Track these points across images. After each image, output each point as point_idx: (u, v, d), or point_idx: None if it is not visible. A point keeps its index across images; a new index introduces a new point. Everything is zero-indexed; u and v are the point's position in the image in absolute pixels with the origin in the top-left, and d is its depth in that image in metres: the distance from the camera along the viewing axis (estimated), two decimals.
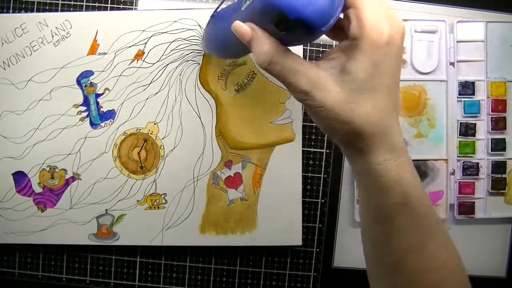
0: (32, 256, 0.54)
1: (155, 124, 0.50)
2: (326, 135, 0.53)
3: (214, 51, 0.43)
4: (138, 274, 0.54)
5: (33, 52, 0.49)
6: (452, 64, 0.52)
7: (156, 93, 0.50)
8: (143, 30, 0.49)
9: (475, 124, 0.52)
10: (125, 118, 0.50)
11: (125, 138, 0.50)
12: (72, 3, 0.51)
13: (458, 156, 0.52)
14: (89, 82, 0.50)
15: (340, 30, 0.31)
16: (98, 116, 0.50)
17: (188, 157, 0.51)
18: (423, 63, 0.52)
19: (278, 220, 0.51)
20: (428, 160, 0.52)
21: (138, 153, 0.51)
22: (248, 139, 0.51)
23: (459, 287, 0.33)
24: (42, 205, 0.51)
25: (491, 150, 0.52)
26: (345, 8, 0.29)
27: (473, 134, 0.52)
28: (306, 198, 0.53)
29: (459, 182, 0.52)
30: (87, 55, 0.49)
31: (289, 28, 0.27)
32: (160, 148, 0.50)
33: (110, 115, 0.50)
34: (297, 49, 0.50)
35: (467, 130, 0.52)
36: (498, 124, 0.52)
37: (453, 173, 0.52)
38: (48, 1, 0.51)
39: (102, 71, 0.49)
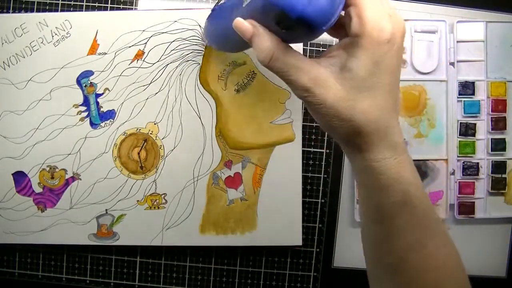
0: (32, 256, 0.54)
1: (155, 124, 0.50)
2: (326, 135, 0.53)
3: (215, 44, 0.43)
4: (138, 274, 0.54)
5: (33, 52, 0.49)
6: (452, 64, 0.52)
7: (156, 93, 0.50)
8: (143, 30, 0.49)
9: (475, 124, 0.52)
10: (125, 118, 0.50)
11: (125, 138, 0.50)
12: (72, 3, 0.51)
13: (458, 156, 0.52)
14: (89, 82, 0.50)
15: (340, 28, 0.32)
16: (98, 116, 0.50)
17: (188, 157, 0.51)
18: (423, 63, 0.52)
19: (278, 220, 0.51)
20: (428, 160, 0.52)
21: (138, 153, 0.51)
22: (248, 139, 0.51)
23: (459, 287, 0.33)
24: (42, 205, 0.51)
25: (491, 150, 0.52)
26: (346, 6, 0.29)
27: (473, 134, 0.52)
28: (306, 198, 0.53)
29: (459, 182, 0.52)
30: (87, 55, 0.49)
31: (290, 26, 0.27)
32: (160, 148, 0.50)
33: (110, 115, 0.50)
34: (297, 47, 0.50)
35: (467, 130, 0.52)
36: (498, 124, 0.52)
37: (453, 173, 0.52)
38: (48, 1, 0.51)
39: (102, 71, 0.49)
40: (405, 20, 0.51)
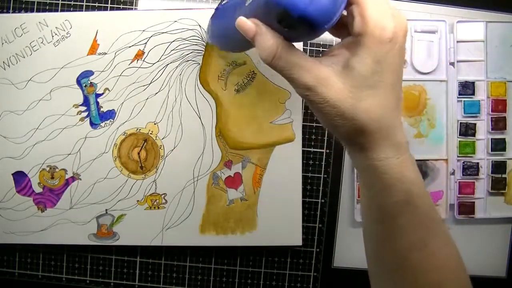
0: (32, 256, 0.54)
1: (155, 124, 0.50)
2: (326, 135, 0.53)
3: (218, 42, 0.43)
4: (138, 274, 0.54)
5: (33, 52, 0.49)
6: (452, 64, 0.52)
7: (156, 93, 0.50)
8: (143, 30, 0.49)
9: (475, 124, 0.52)
10: (125, 118, 0.50)
11: (125, 138, 0.50)
12: (72, 3, 0.51)
13: (458, 156, 0.52)
14: (89, 82, 0.50)
15: (342, 28, 0.32)
16: (98, 116, 0.50)
17: (188, 157, 0.51)
18: (423, 63, 0.52)
19: (278, 220, 0.51)
20: (428, 160, 0.52)
21: (138, 153, 0.51)
22: (248, 139, 0.51)
23: (460, 287, 0.33)
24: (42, 205, 0.51)
25: (491, 150, 0.52)
26: (348, 5, 0.29)
27: (473, 134, 0.52)
28: (306, 198, 0.53)
29: (459, 182, 0.52)
30: (87, 55, 0.49)
31: (292, 25, 0.27)
32: (160, 148, 0.50)
33: (110, 115, 0.50)
34: (297, 47, 0.50)
35: (467, 130, 0.52)
36: (498, 124, 0.52)
37: (453, 173, 0.52)
38: (48, 1, 0.51)
39: (102, 71, 0.49)
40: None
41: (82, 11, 0.51)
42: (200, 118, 0.50)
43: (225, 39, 0.41)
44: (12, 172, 0.50)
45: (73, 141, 0.50)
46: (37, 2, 0.51)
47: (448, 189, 0.52)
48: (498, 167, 0.52)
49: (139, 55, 0.49)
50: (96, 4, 0.51)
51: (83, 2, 0.51)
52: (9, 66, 0.49)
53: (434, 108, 0.52)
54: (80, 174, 0.50)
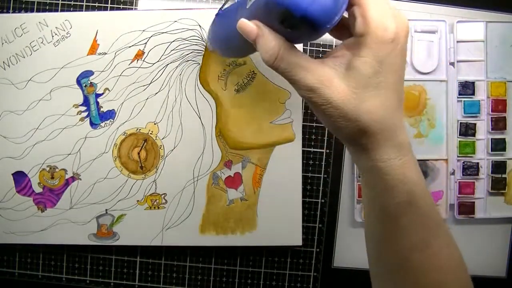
0: (32, 256, 0.54)
1: (155, 124, 0.50)
2: (326, 135, 0.53)
3: (219, 49, 0.43)
4: (138, 274, 0.54)
5: (33, 52, 0.49)
6: (452, 64, 0.52)
7: (156, 93, 0.50)
8: (143, 30, 0.49)
9: (475, 124, 0.52)
10: (125, 118, 0.50)
11: (125, 138, 0.50)
12: (72, 3, 0.51)
13: (458, 156, 0.52)
14: (89, 82, 0.50)
15: (344, 29, 0.32)
16: (98, 116, 0.50)
17: (188, 157, 0.51)
18: (423, 63, 0.52)
19: (278, 220, 0.51)
20: (428, 160, 0.52)
21: (138, 153, 0.51)
22: (248, 139, 0.51)
23: (461, 287, 0.33)
24: (42, 205, 0.51)
25: (491, 150, 0.52)
26: (350, 6, 0.29)
27: (473, 134, 0.52)
28: (306, 198, 0.53)
29: (459, 182, 0.52)
30: (87, 55, 0.49)
31: (294, 25, 0.27)
32: (160, 148, 0.50)
33: (110, 115, 0.50)
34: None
35: (467, 130, 0.52)
36: (498, 124, 0.52)
37: (453, 173, 0.52)
38: (48, 1, 0.51)
39: (102, 71, 0.49)
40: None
41: (82, 11, 0.51)
42: (200, 118, 0.50)
43: (226, 44, 0.40)
44: (12, 172, 0.50)
45: (73, 141, 0.50)
46: (37, 2, 0.51)
47: (448, 189, 0.52)
48: (498, 167, 0.52)
49: (139, 55, 0.49)
50: (96, 4, 0.51)
51: (83, 2, 0.51)
52: (9, 66, 0.49)
53: (434, 108, 0.52)
54: (80, 174, 0.50)
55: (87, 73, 0.49)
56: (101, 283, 0.54)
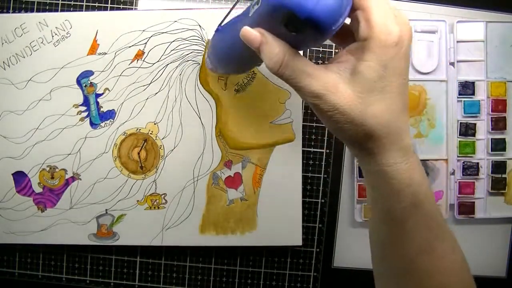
0: (32, 256, 0.54)
1: (155, 124, 0.50)
2: (326, 135, 0.53)
3: (220, 65, 0.42)
4: (138, 274, 0.54)
5: (33, 52, 0.49)
6: (452, 64, 0.52)
7: (156, 93, 0.50)
8: (143, 30, 0.49)
9: (475, 124, 0.52)
10: (125, 118, 0.50)
11: (125, 138, 0.50)
12: (72, 3, 0.51)
13: (458, 156, 0.52)
14: (89, 82, 0.50)
15: (347, 35, 0.32)
16: (98, 116, 0.50)
17: (188, 157, 0.51)
18: (423, 63, 0.52)
19: (278, 220, 0.51)
20: (428, 160, 0.52)
21: (138, 153, 0.51)
22: (248, 139, 0.51)
23: None
24: (42, 205, 0.51)
25: (491, 150, 0.52)
26: (353, 10, 0.29)
27: (473, 134, 0.52)
28: (306, 198, 0.53)
29: (459, 182, 0.52)
30: (87, 55, 0.49)
31: (299, 28, 0.27)
32: (160, 148, 0.50)
33: (110, 115, 0.50)
34: None
35: (467, 130, 0.52)
36: (498, 124, 0.52)
37: (453, 173, 0.52)
38: (48, 1, 0.51)
39: (102, 71, 0.49)
40: None
41: (82, 11, 0.51)
42: (200, 118, 0.50)
43: (228, 59, 0.40)
44: (12, 172, 0.50)
45: (73, 141, 0.50)
46: (37, 2, 0.51)
47: (448, 189, 0.52)
48: (498, 167, 0.52)
49: (139, 55, 0.49)
50: (96, 4, 0.51)
51: (83, 2, 0.51)
52: (9, 66, 0.49)
53: (434, 108, 0.52)
54: (80, 174, 0.50)
55: (87, 73, 0.49)
56: (101, 283, 0.54)
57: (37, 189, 0.51)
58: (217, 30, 0.40)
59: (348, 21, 0.30)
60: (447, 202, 0.52)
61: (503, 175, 0.53)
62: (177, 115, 0.50)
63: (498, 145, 0.52)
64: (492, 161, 0.52)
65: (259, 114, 0.51)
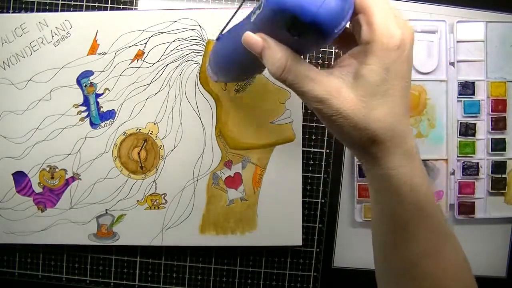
0: (32, 256, 0.54)
1: (155, 124, 0.50)
2: (326, 135, 0.53)
3: (221, 73, 0.42)
4: (138, 274, 0.54)
5: (33, 52, 0.49)
6: (452, 64, 0.52)
7: (156, 93, 0.50)
8: (143, 30, 0.49)
9: (475, 124, 0.52)
10: (125, 118, 0.50)
11: (125, 138, 0.50)
12: (72, 3, 0.51)
13: (458, 156, 0.52)
14: (89, 82, 0.50)
15: (349, 39, 0.32)
16: (98, 116, 0.50)
17: (188, 157, 0.51)
18: (423, 63, 0.52)
19: (278, 220, 0.51)
20: (428, 160, 0.52)
21: (138, 153, 0.51)
22: (248, 139, 0.51)
23: None
24: (42, 205, 0.51)
25: (491, 150, 0.52)
26: (355, 14, 0.29)
27: (473, 134, 0.52)
28: (306, 198, 0.53)
29: (459, 182, 0.52)
30: (87, 55, 0.49)
31: (302, 32, 0.27)
32: (160, 148, 0.50)
33: (110, 115, 0.50)
34: None
35: (467, 130, 0.52)
36: (498, 124, 0.52)
37: (453, 173, 0.52)
38: (48, 1, 0.51)
39: (102, 71, 0.49)
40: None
41: (82, 11, 0.51)
42: (200, 118, 0.50)
43: (229, 66, 0.40)
44: (12, 172, 0.50)
45: (73, 141, 0.50)
46: (37, 2, 0.51)
47: (448, 189, 0.52)
48: (498, 167, 0.52)
49: (139, 55, 0.49)
50: (96, 4, 0.51)
51: (83, 2, 0.51)
52: (9, 66, 0.49)
53: (434, 108, 0.52)
54: (80, 174, 0.50)
55: (87, 73, 0.49)
56: (101, 283, 0.54)
57: (37, 189, 0.51)
58: (218, 38, 0.40)
59: (349, 25, 0.30)
60: (447, 202, 0.52)
61: (503, 175, 0.53)
62: (177, 115, 0.50)
63: (498, 145, 0.52)
64: (492, 161, 0.52)
65: (259, 114, 0.51)
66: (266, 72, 0.49)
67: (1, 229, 0.51)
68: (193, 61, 0.50)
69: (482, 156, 0.53)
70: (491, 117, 0.52)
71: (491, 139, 0.52)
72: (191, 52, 0.49)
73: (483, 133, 0.53)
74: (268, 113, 0.51)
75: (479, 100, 0.52)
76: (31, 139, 0.50)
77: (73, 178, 0.51)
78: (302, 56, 0.31)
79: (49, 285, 0.54)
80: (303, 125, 0.51)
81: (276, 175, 0.51)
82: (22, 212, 0.51)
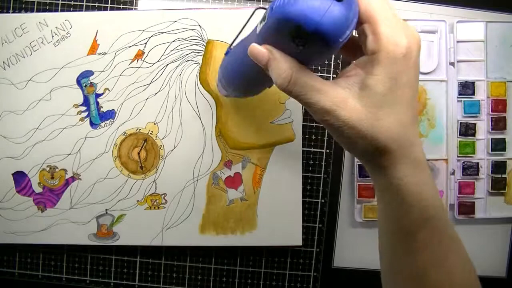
0: (32, 256, 0.54)
1: (155, 124, 0.50)
2: (326, 135, 0.53)
3: (230, 88, 0.42)
4: (138, 274, 0.54)
5: (33, 52, 0.49)
6: (452, 64, 0.52)
7: (156, 93, 0.50)
8: (143, 30, 0.49)
9: (475, 124, 0.52)
10: (125, 118, 0.50)
11: (125, 138, 0.50)
12: (72, 3, 0.51)
13: (458, 156, 0.52)
14: (89, 82, 0.50)
15: (355, 48, 0.31)
16: (98, 116, 0.50)
17: (188, 157, 0.51)
18: (423, 63, 0.52)
19: (278, 220, 0.51)
20: (428, 160, 0.52)
21: (138, 153, 0.51)
22: (248, 139, 0.51)
23: None
24: (42, 205, 0.51)
25: (491, 150, 0.52)
26: (360, 24, 0.29)
27: (473, 134, 0.52)
28: (306, 198, 0.53)
29: (459, 182, 0.52)
30: (87, 55, 0.49)
31: (307, 41, 0.27)
32: (160, 148, 0.50)
33: (110, 115, 0.50)
34: None
35: (467, 130, 0.52)
36: (498, 124, 0.52)
37: (453, 173, 0.52)
38: (48, 1, 0.51)
39: (102, 71, 0.49)
40: (405, 20, 0.51)
41: (82, 11, 0.51)
42: (200, 118, 0.50)
43: (238, 81, 0.39)
44: (12, 172, 0.50)
45: (73, 141, 0.50)
46: (37, 2, 0.51)
47: (448, 189, 0.52)
48: (498, 167, 0.52)
49: (139, 55, 0.49)
50: (96, 4, 0.51)
51: (83, 2, 0.51)
52: (9, 66, 0.49)
53: (434, 108, 0.52)
54: (80, 174, 0.50)
55: (87, 73, 0.49)
56: (101, 283, 0.54)
57: (37, 189, 0.51)
58: (226, 53, 0.40)
59: (355, 33, 0.30)
60: (447, 202, 0.52)
61: (503, 175, 0.53)
62: (177, 115, 0.50)
63: (498, 145, 0.52)
64: (492, 161, 0.52)
65: (259, 114, 0.51)
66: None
67: (1, 229, 0.51)
68: (193, 61, 0.50)
69: (482, 156, 0.53)
70: (491, 117, 0.52)
71: (491, 139, 0.52)
72: (191, 52, 0.49)
73: (483, 133, 0.53)
74: (268, 113, 0.51)
75: (479, 100, 0.52)
76: (31, 139, 0.50)
77: (73, 178, 0.51)
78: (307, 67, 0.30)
79: (49, 285, 0.54)
80: (303, 125, 0.51)
81: (276, 175, 0.51)
82: (22, 212, 0.51)
